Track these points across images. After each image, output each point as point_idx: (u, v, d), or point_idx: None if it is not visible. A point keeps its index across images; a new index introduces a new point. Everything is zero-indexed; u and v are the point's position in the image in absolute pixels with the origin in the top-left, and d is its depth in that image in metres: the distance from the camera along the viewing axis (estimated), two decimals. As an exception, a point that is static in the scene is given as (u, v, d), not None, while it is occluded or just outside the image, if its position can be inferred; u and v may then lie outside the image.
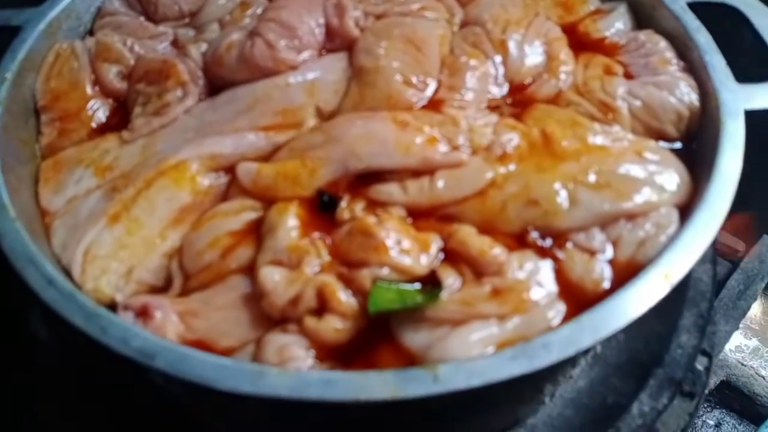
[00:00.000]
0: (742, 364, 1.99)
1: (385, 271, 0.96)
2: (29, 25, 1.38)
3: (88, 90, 1.34)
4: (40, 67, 1.36)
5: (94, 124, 1.31)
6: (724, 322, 1.84)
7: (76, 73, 1.35)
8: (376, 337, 0.96)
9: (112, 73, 1.35)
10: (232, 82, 1.28)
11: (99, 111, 1.33)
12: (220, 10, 1.46)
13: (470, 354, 0.89)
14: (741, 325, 1.94)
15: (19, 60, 1.31)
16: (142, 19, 1.50)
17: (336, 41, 1.29)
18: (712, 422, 2.02)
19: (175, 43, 1.44)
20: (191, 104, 1.26)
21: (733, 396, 2.00)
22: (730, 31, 1.31)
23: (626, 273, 0.99)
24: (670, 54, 1.30)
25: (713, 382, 1.90)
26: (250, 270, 1.02)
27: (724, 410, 2.03)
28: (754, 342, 1.99)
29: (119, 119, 1.33)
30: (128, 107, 1.33)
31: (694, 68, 1.27)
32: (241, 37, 1.28)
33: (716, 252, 1.57)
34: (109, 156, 1.22)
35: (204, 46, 1.34)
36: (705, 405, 2.03)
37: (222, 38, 1.30)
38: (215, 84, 1.30)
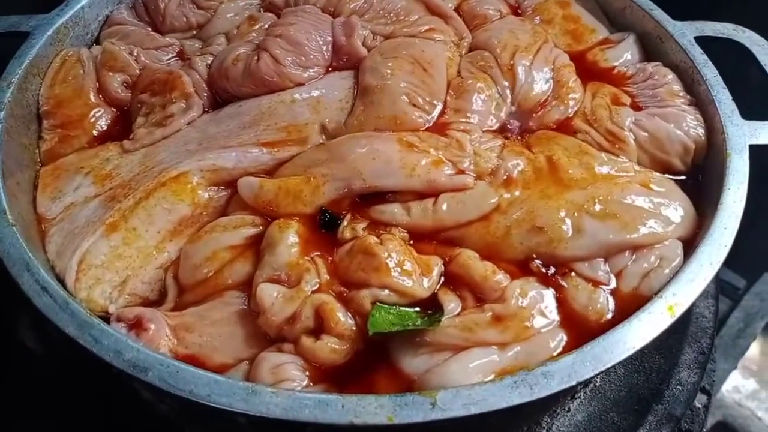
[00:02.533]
0: (740, 405, 1.96)
1: (385, 293, 0.94)
2: (38, 31, 1.37)
3: (92, 98, 1.33)
4: (45, 73, 1.36)
5: (95, 132, 1.30)
6: (723, 360, 1.83)
7: (81, 80, 1.34)
8: (373, 360, 0.94)
9: (116, 82, 1.34)
10: (237, 96, 1.27)
11: (101, 119, 1.32)
12: (228, 24, 1.46)
13: (470, 381, 0.87)
14: (739, 365, 1.91)
15: (25, 65, 1.30)
16: (149, 29, 1.50)
17: (343, 59, 1.29)
18: (707, 463, 1.99)
19: (181, 55, 1.43)
20: (195, 116, 1.26)
21: (729, 437, 1.96)
22: (736, 66, 1.32)
23: (629, 304, 0.98)
24: (677, 87, 1.30)
25: (710, 422, 1.87)
26: (247, 286, 1.01)
27: (720, 451, 2.00)
28: (752, 383, 1.96)
29: (121, 128, 1.32)
30: (131, 117, 1.32)
31: (701, 102, 1.28)
32: (248, 51, 1.28)
33: (719, 289, 1.55)
34: (110, 165, 1.21)
35: (210, 59, 1.33)
36: (701, 445, 1.99)
37: (228, 51, 1.29)
38: (220, 97, 1.30)
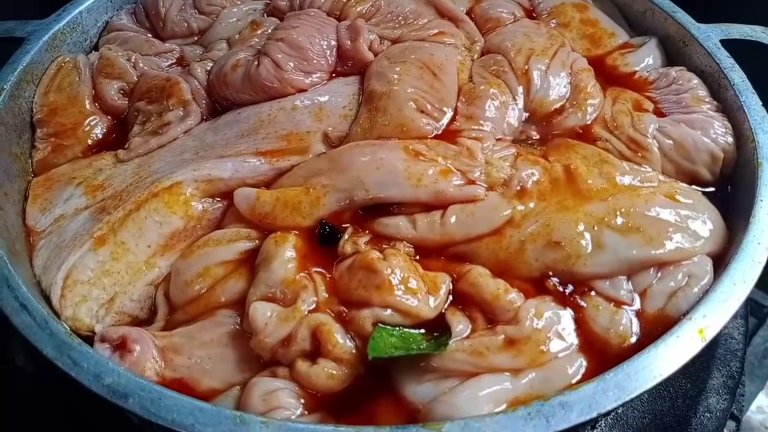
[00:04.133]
0: (766, 427, 1.86)
1: (387, 313, 0.87)
2: (33, 36, 1.33)
3: (87, 105, 1.28)
4: (40, 80, 1.31)
5: (90, 141, 1.25)
6: (749, 382, 1.73)
7: (77, 87, 1.29)
8: (374, 387, 0.87)
9: (113, 89, 1.29)
10: (237, 103, 1.22)
11: (97, 127, 1.27)
12: (230, 29, 1.41)
13: (479, 411, 0.79)
14: (766, 386, 1.82)
15: (18, 71, 1.25)
16: (149, 35, 1.45)
17: (348, 64, 1.23)
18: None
19: (181, 61, 1.38)
20: (192, 124, 1.20)
21: (756, 461, 1.86)
22: (766, 70, 1.24)
23: (655, 327, 0.91)
24: (703, 92, 1.22)
25: (735, 445, 1.77)
26: (240, 305, 0.94)
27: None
28: (779, 404, 1.86)
29: (117, 137, 1.27)
30: (127, 125, 1.27)
31: (729, 108, 1.20)
32: (248, 57, 1.22)
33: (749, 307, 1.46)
34: (102, 175, 1.15)
35: (210, 65, 1.27)
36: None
37: (228, 57, 1.23)
38: (219, 104, 1.24)
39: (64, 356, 0.84)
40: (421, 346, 0.86)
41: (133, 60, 1.34)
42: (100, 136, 1.26)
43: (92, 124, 1.26)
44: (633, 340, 0.90)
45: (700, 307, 0.89)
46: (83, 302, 0.98)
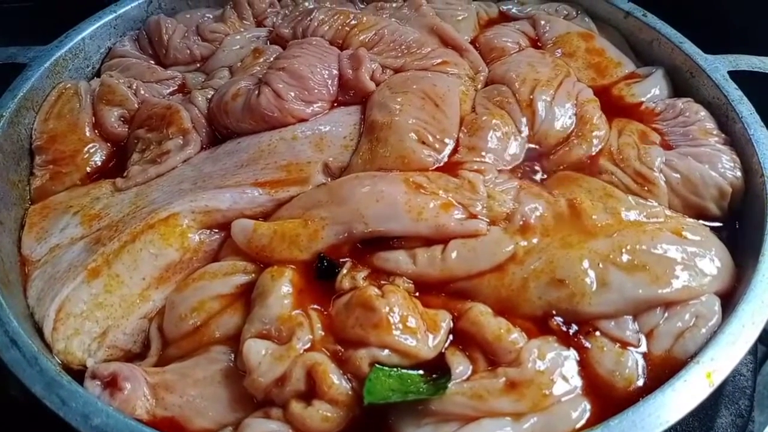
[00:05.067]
0: (778, 461, 1.81)
1: (385, 353, 0.84)
2: (35, 63, 1.33)
3: (87, 132, 1.27)
4: (40, 106, 1.30)
5: (89, 169, 1.23)
6: (759, 412, 1.68)
7: (77, 114, 1.28)
8: (370, 430, 0.84)
9: (113, 116, 1.28)
10: (237, 132, 1.20)
11: (96, 155, 1.25)
12: (232, 56, 1.40)
13: (479, 458, 0.76)
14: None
15: (19, 98, 1.25)
16: (151, 62, 1.45)
17: (350, 94, 1.22)
18: None
19: (183, 88, 1.37)
20: (192, 153, 1.19)
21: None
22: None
23: (662, 369, 0.88)
24: (711, 124, 1.20)
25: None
26: (235, 341, 0.91)
27: None
28: (791, 436, 1.81)
29: (116, 164, 1.26)
30: (127, 152, 1.25)
31: (737, 141, 1.18)
32: (249, 86, 1.21)
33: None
34: (100, 204, 1.14)
35: (211, 93, 1.26)
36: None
37: (229, 86, 1.22)
38: (219, 133, 1.23)
39: (53, 395, 0.82)
40: (420, 389, 0.83)
41: (134, 87, 1.33)
42: (99, 164, 1.25)
43: (91, 151, 1.25)
44: (639, 383, 0.87)
45: (708, 349, 0.86)
46: (75, 336, 0.96)
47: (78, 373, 0.91)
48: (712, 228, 1.07)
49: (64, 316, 0.97)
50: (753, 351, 1.35)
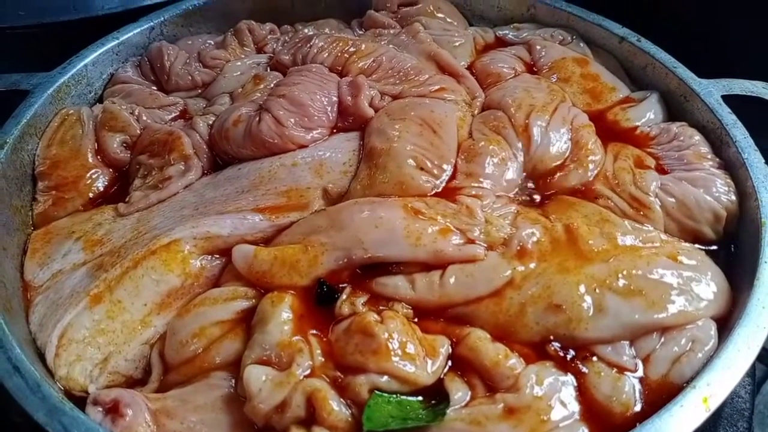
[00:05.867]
0: (779, 482, 1.80)
1: (384, 380, 0.85)
2: (38, 89, 1.34)
3: (90, 158, 1.28)
4: (43, 132, 1.32)
5: (91, 194, 1.25)
6: (759, 430, 1.68)
7: (79, 140, 1.30)
8: (370, 457, 0.84)
9: (116, 143, 1.30)
10: (238, 158, 1.22)
11: (98, 181, 1.27)
12: (233, 83, 1.42)
13: (477, 485, 0.77)
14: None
15: (22, 125, 1.26)
16: (153, 88, 1.47)
17: (349, 120, 1.23)
18: None
19: (184, 114, 1.39)
20: (193, 179, 1.20)
21: None
22: (766, 125, 1.24)
23: (659, 394, 0.88)
24: (705, 149, 1.22)
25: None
26: (235, 366, 0.92)
27: None
28: (792, 456, 1.80)
29: (118, 190, 1.27)
30: (129, 178, 1.27)
31: (731, 165, 1.19)
32: (250, 112, 1.22)
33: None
34: (102, 229, 1.15)
35: (212, 119, 1.28)
36: None
37: (230, 112, 1.24)
38: (220, 159, 1.25)
39: (56, 422, 0.83)
40: (419, 416, 0.83)
41: (136, 113, 1.35)
42: (102, 189, 1.26)
43: (94, 177, 1.26)
44: (636, 408, 0.87)
45: (704, 374, 0.87)
46: (77, 362, 0.97)
47: (79, 399, 0.92)
48: (708, 252, 1.09)
49: (66, 342, 0.98)
50: (751, 373, 1.35)
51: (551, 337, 0.92)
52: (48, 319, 1.03)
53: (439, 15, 1.59)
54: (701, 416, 0.82)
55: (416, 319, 0.96)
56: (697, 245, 1.09)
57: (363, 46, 1.37)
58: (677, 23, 1.53)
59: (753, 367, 1.39)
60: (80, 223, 1.18)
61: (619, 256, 0.98)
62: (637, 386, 0.89)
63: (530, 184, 1.17)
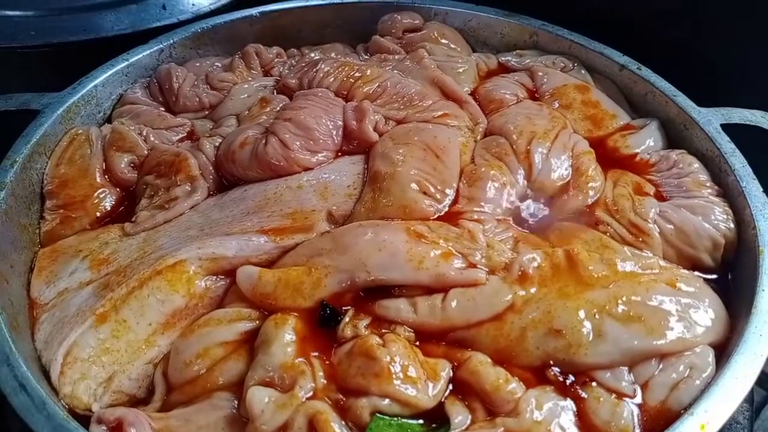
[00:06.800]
0: None
1: (385, 403, 0.86)
2: (48, 109, 1.36)
3: (98, 178, 1.30)
4: (52, 152, 1.33)
5: (98, 214, 1.26)
6: (758, 459, 1.67)
7: (88, 160, 1.32)
8: (371, 479, 0.85)
9: (123, 162, 1.31)
10: (244, 180, 1.24)
11: (105, 200, 1.28)
12: (240, 105, 1.44)
13: None
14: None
15: (32, 144, 1.28)
16: (161, 109, 1.49)
17: (353, 144, 1.26)
18: None
19: (192, 135, 1.41)
20: (199, 200, 1.22)
21: None
22: (767, 156, 1.25)
23: (657, 421, 0.89)
24: (704, 176, 1.24)
25: None
26: (238, 387, 0.93)
27: None
28: (792, 481, 1.79)
29: (125, 209, 1.29)
30: (136, 197, 1.28)
31: (730, 193, 1.21)
32: (257, 135, 1.24)
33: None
34: (108, 248, 1.16)
35: (218, 141, 1.30)
36: None
37: (236, 134, 1.26)
38: (226, 180, 1.26)
39: (60, 440, 0.84)
40: (419, 439, 0.85)
41: (144, 133, 1.37)
42: (109, 209, 1.28)
43: (101, 196, 1.28)
44: (635, 434, 0.89)
45: (702, 401, 0.88)
46: (82, 380, 0.98)
47: (83, 418, 0.93)
48: (706, 279, 1.10)
49: (71, 361, 0.99)
50: (749, 398, 1.36)
51: (551, 362, 0.93)
52: (53, 336, 1.03)
53: (443, 41, 1.62)
54: (699, 442, 0.83)
55: (418, 343, 0.97)
56: (695, 272, 1.10)
57: (368, 71, 1.40)
58: (677, 51, 1.55)
59: (751, 392, 1.39)
60: (87, 242, 1.19)
61: (618, 282, 0.99)
62: (636, 412, 0.90)
63: (531, 210, 1.18)
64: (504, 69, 1.58)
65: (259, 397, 0.87)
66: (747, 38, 1.55)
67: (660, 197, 1.20)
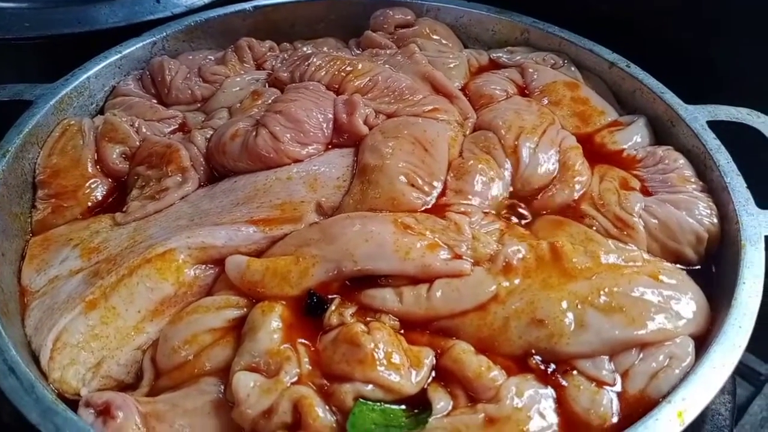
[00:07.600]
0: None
1: (369, 388, 0.87)
2: (41, 100, 1.37)
3: (89, 168, 1.31)
4: (44, 142, 1.34)
5: (89, 203, 1.27)
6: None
7: (80, 150, 1.33)
8: (353, 462, 0.86)
9: (115, 153, 1.32)
10: (234, 171, 1.25)
11: (97, 190, 1.29)
12: (232, 98, 1.46)
13: (457, 492, 0.79)
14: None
15: (24, 134, 1.29)
16: (154, 101, 1.50)
17: (344, 137, 1.27)
18: None
19: (183, 127, 1.42)
20: (190, 191, 1.23)
21: None
22: (751, 152, 1.27)
23: (636, 408, 0.91)
24: (689, 172, 1.25)
25: None
26: (225, 373, 0.94)
27: None
28: (778, 476, 1.81)
29: (116, 199, 1.30)
30: (127, 188, 1.30)
31: (714, 189, 1.23)
32: (247, 127, 1.26)
33: (738, 374, 1.44)
34: (99, 237, 1.17)
35: (210, 133, 1.31)
36: None
37: (227, 126, 1.27)
38: (217, 171, 1.28)
39: (48, 422, 0.85)
40: (401, 424, 0.86)
41: (136, 125, 1.38)
42: (100, 199, 1.29)
43: (93, 186, 1.29)
44: (613, 420, 0.90)
45: (680, 389, 0.89)
46: (71, 365, 0.99)
47: (72, 402, 0.94)
48: (689, 272, 1.11)
49: (60, 346, 1.00)
50: (732, 391, 1.38)
51: (533, 351, 0.94)
52: (43, 323, 1.05)
53: (435, 37, 1.63)
54: (675, 430, 0.84)
55: (402, 331, 0.98)
56: (678, 265, 1.12)
57: (360, 65, 1.41)
58: (666, 49, 1.57)
59: (734, 385, 1.41)
60: (78, 231, 1.20)
61: (601, 274, 1.00)
62: (615, 400, 0.92)
63: (518, 203, 1.20)
64: (495, 65, 1.59)
65: (245, 382, 0.88)
66: (734, 36, 1.57)
67: (646, 192, 1.22)
